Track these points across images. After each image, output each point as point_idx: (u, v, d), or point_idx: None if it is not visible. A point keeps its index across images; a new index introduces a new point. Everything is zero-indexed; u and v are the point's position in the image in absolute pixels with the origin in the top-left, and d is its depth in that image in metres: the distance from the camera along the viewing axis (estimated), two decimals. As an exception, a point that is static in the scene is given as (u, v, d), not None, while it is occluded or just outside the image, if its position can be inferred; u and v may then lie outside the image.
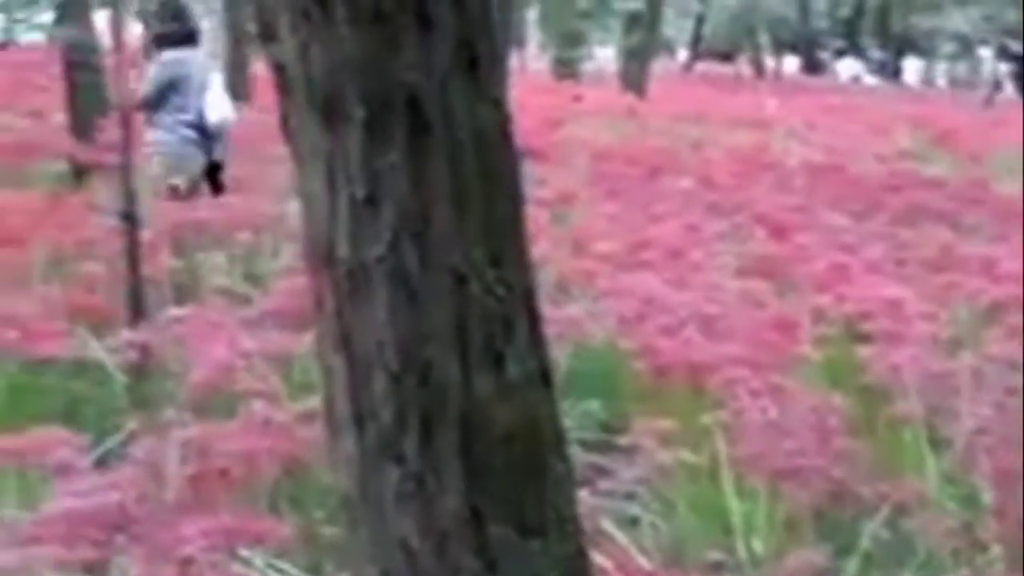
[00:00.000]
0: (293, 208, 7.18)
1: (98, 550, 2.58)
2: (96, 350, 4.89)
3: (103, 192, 7.59)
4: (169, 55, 7.64)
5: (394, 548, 1.70)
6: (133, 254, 4.95)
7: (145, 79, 7.57)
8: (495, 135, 1.75)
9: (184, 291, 5.59)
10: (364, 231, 1.72)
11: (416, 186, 1.70)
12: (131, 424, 4.07)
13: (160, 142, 7.53)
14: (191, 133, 7.61)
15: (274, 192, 7.42)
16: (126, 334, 4.53)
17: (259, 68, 16.57)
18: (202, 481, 2.97)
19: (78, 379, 4.93)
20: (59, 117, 10.35)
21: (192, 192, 7.42)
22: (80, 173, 8.88)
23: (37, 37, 23.00)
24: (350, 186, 1.72)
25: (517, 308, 1.75)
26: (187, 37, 7.80)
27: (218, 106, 7.72)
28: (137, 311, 4.88)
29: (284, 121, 1.80)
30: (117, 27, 5.05)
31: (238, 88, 15.86)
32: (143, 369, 4.61)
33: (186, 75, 7.61)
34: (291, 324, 4.57)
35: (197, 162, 7.60)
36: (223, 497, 2.94)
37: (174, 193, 7.23)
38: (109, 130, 8.02)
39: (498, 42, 1.81)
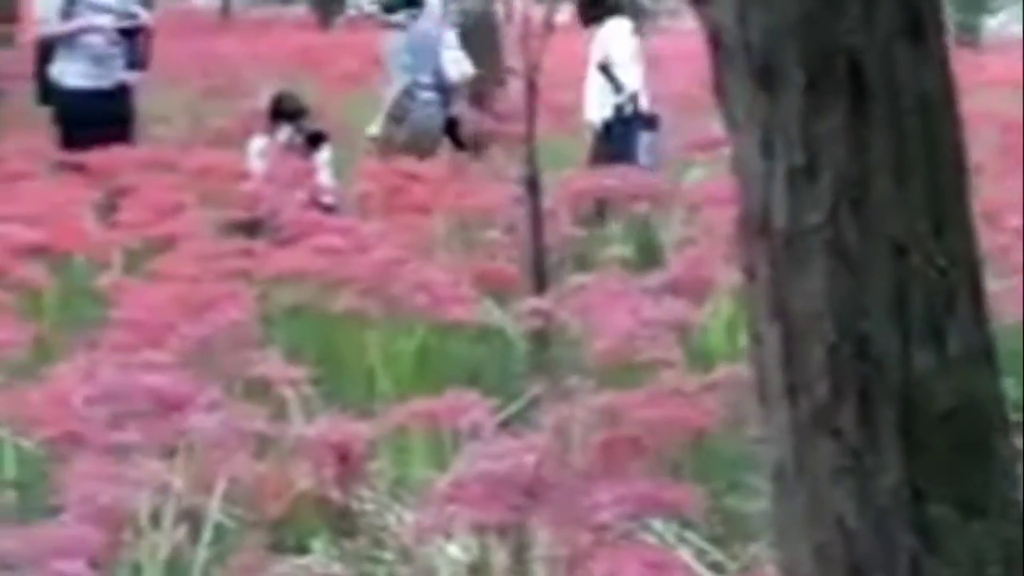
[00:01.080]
0: (690, 179, 7.26)
1: (512, 513, 2.62)
2: (498, 316, 4.99)
3: (500, 160, 7.75)
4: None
5: (829, 524, 1.66)
6: (535, 222, 5.02)
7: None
8: (940, 101, 1.69)
9: (583, 260, 5.65)
10: (801, 199, 1.68)
11: (856, 153, 1.65)
12: (534, 389, 4.13)
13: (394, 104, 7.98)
14: (429, 95, 7.95)
15: (668, 162, 7.43)
16: (531, 301, 4.60)
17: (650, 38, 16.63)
18: (612, 449, 2.99)
19: (480, 344, 5.05)
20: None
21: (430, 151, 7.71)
22: (478, 142, 9.07)
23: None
24: (788, 153, 1.68)
25: (960, 281, 1.68)
26: (415, 1, 8.11)
27: (457, 62, 8.06)
28: (539, 279, 4.94)
29: (717, 86, 1.77)
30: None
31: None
32: (544, 336, 4.68)
33: (420, 39, 8.01)
34: (689, 294, 4.56)
35: (436, 122, 7.95)
36: (634, 466, 2.95)
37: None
38: (506, 99, 8.21)
39: (941, 5, 1.74)
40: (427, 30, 8.13)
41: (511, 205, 5.99)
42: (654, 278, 4.75)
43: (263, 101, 8.45)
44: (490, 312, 4.99)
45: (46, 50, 7.74)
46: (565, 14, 8.56)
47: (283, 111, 7.68)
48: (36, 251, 5.40)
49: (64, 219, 5.86)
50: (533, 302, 4.58)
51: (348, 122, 9.49)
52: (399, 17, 8.26)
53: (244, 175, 6.95)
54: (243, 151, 7.68)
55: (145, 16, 7.76)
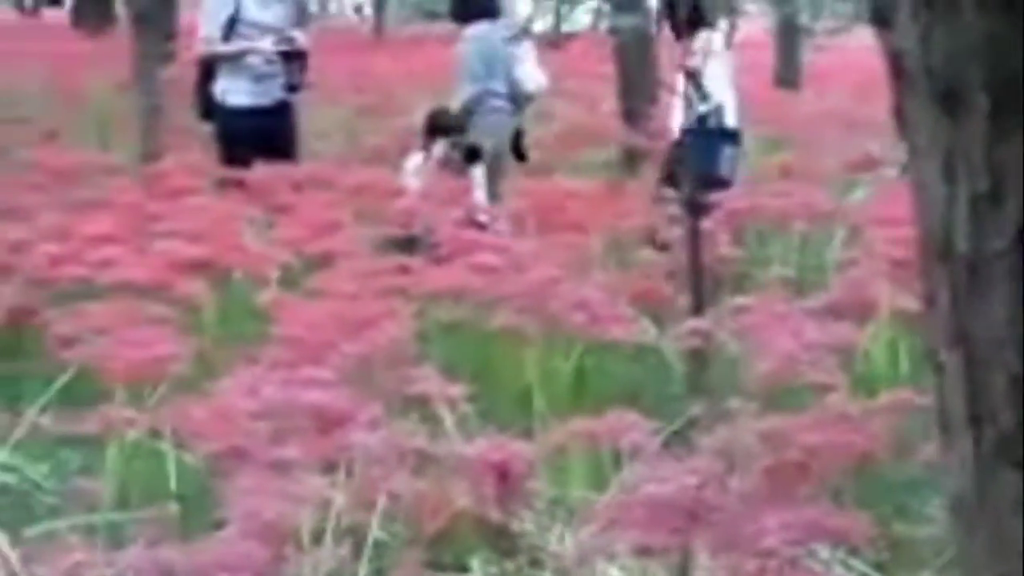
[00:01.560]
0: (855, 198, 7.19)
1: (675, 537, 2.60)
2: (655, 336, 4.97)
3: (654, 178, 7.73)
4: (471, 31, 8.19)
5: (1013, 556, 1.62)
6: (695, 242, 4.99)
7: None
8: None
9: (742, 280, 5.61)
10: (984, 225, 1.64)
11: (1042, 179, 1.62)
12: (692, 411, 4.10)
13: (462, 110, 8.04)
14: (500, 103, 8.09)
15: (829, 182, 7.35)
16: (690, 322, 4.57)
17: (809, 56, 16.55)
18: (778, 473, 2.96)
19: (637, 364, 5.02)
20: (609, 104, 10.60)
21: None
22: (632, 160, 9.05)
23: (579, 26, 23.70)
24: (971, 179, 1.65)
25: None
26: (487, 11, 8.29)
27: (532, 75, 8.22)
28: (697, 299, 4.91)
29: (897, 110, 1.74)
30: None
31: (787, 74, 15.83)
32: (702, 357, 4.64)
33: (490, 49, 8.11)
34: (852, 316, 4.50)
35: (503, 131, 8.05)
36: (799, 490, 2.92)
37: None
38: (658, 117, 8.19)
39: None
40: (500, 40, 8.23)
41: (667, 224, 5.97)
42: (815, 300, 4.70)
43: (416, 118, 8.50)
44: (646, 332, 4.97)
45: (208, 68, 7.86)
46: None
47: (438, 127, 7.72)
48: (197, 267, 5.48)
49: (223, 235, 5.94)
50: (692, 322, 4.55)
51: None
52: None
53: (399, 192, 6.99)
54: (398, 168, 7.74)
55: (303, 39, 7.87)
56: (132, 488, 3.97)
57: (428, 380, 4.01)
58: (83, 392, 4.49)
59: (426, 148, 7.63)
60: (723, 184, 7.49)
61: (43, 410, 4.28)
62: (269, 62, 7.69)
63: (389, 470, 3.31)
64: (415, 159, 7.65)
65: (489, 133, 8.00)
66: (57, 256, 5.50)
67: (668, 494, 2.61)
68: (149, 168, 7.80)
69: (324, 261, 5.70)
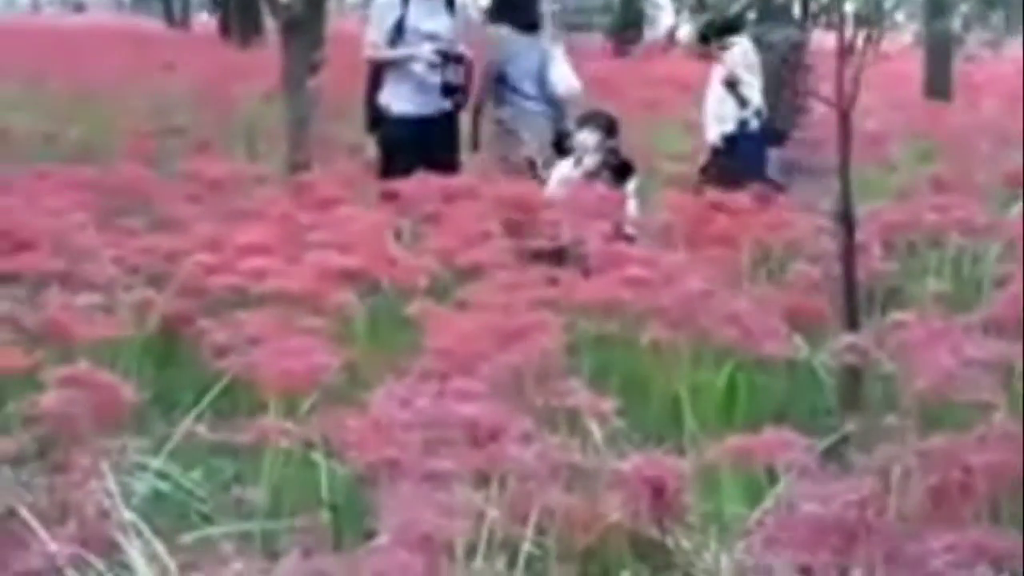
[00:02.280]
0: (1011, 212, 7.04)
1: (837, 557, 2.55)
2: (806, 351, 4.92)
3: (806, 190, 7.66)
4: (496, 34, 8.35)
5: None
6: (848, 256, 4.92)
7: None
8: None
9: (894, 294, 5.52)
10: None
11: None
12: (846, 428, 4.05)
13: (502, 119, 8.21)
14: (533, 105, 8.22)
15: (982, 194, 7.22)
16: (846, 337, 4.51)
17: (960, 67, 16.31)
18: (942, 493, 2.90)
19: (788, 379, 4.97)
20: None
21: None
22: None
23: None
24: None
25: None
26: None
27: (565, 78, 8.29)
28: (851, 314, 4.85)
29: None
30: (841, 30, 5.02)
31: (938, 85, 15.61)
32: (856, 373, 4.58)
33: (515, 53, 8.23)
34: (1009, 334, 4.42)
35: (542, 134, 8.17)
36: (963, 511, 2.86)
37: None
38: (813, 128, 8.13)
39: None
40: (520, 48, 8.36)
41: (819, 237, 5.90)
42: (973, 316, 4.62)
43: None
44: (798, 347, 4.91)
45: (375, 78, 7.98)
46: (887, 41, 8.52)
47: (589, 125, 7.68)
48: (347, 277, 5.51)
49: (373, 246, 5.97)
50: (848, 338, 4.49)
51: (647, 150, 9.49)
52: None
53: (546, 203, 6.98)
54: (544, 179, 7.74)
55: (465, 48, 7.94)
56: (284, 497, 3.99)
57: (578, 393, 3.99)
58: (236, 401, 4.54)
59: (575, 154, 7.61)
60: (774, 186, 7.80)
61: (197, 418, 4.33)
62: (432, 67, 7.77)
63: (542, 484, 3.30)
64: (562, 168, 7.64)
65: (522, 140, 8.14)
66: (210, 265, 5.56)
67: (829, 513, 2.57)
68: (297, 178, 7.87)
69: (472, 272, 5.71)
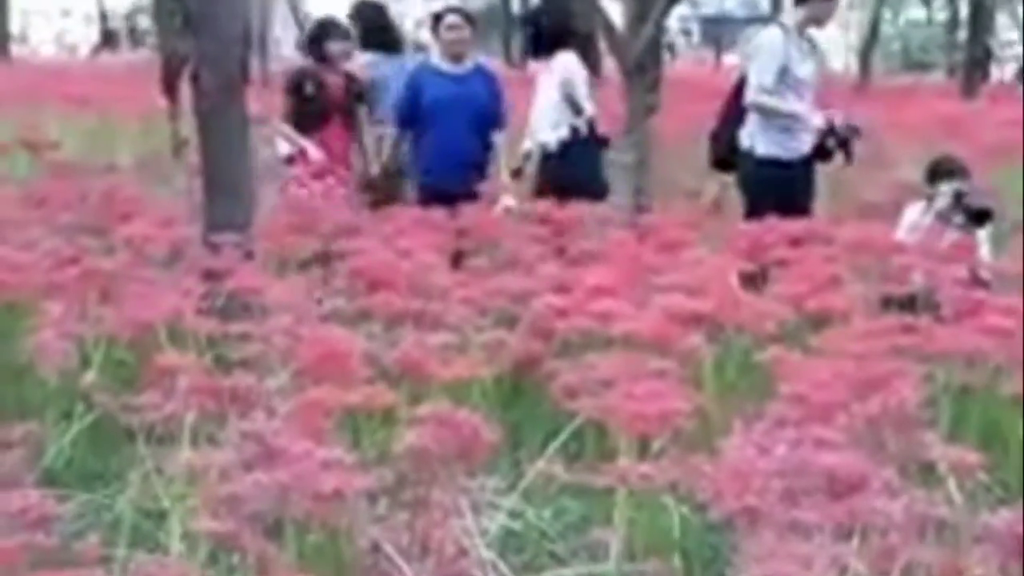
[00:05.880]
0: None
1: None
2: None
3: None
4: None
5: None
6: None
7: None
8: None
9: None
10: None
11: None
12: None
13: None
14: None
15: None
16: None
17: None
18: None
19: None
20: None
21: None
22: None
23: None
24: None
25: None
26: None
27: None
28: None
29: None
30: None
31: None
32: None
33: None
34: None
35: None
36: None
37: None
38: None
39: None
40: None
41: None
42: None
43: (907, 172, 8.32)
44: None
45: (728, 114, 8.03)
46: None
47: (942, 172, 7.51)
48: (695, 321, 5.48)
49: (720, 289, 5.93)
50: None
51: (995, 195, 9.20)
52: None
53: (897, 248, 6.83)
54: (894, 223, 7.58)
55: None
56: (636, 540, 3.98)
57: (937, 446, 3.87)
58: (583, 442, 4.56)
59: (928, 198, 7.44)
60: (605, 191, 8.41)
61: (549, 458, 4.36)
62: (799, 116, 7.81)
63: (907, 538, 3.21)
64: (913, 212, 7.47)
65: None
66: (558, 307, 5.60)
67: None
68: (642, 220, 7.89)
69: (821, 318, 5.61)
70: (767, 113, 7.78)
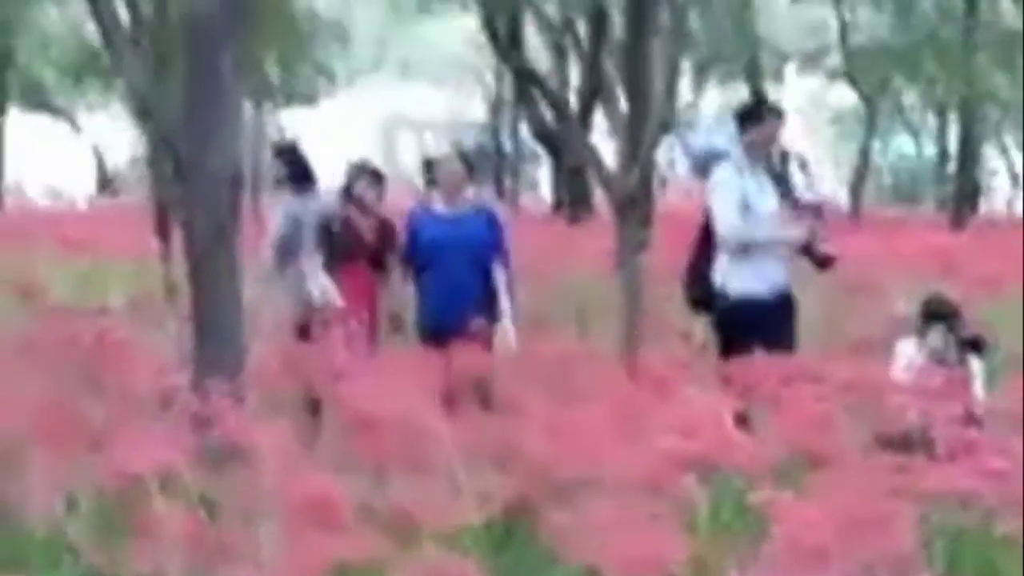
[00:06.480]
0: None
1: None
2: None
3: None
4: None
5: None
6: None
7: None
8: None
9: None
10: None
11: None
12: None
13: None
14: None
15: None
16: None
17: None
18: None
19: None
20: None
21: None
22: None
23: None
24: None
25: None
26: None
27: None
28: None
29: None
30: None
31: None
32: None
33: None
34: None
35: None
36: None
37: None
38: None
39: None
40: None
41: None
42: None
43: (900, 306, 8.32)
44: None
45: (699, 254, 7.92)
46: None
47: (934, 313, 7.51)
48: (688, 462, 5.44)
49: (711, 429, 5.89)
50: None
51: (986, 330, 9.19)
52: None
53: (890, 385, 6.81)
54: (887, 359, 7.57)
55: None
56: None
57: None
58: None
59: (921, 335, 7.43)
60: None
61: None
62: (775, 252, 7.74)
63: None
64: (906, 349, 7.46)
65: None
66: (551, 449, 5.55)
67: None
68: (631, 357, 7.86)
69: (814, 458, 5.57)
70: (745, 245, 7.71)
